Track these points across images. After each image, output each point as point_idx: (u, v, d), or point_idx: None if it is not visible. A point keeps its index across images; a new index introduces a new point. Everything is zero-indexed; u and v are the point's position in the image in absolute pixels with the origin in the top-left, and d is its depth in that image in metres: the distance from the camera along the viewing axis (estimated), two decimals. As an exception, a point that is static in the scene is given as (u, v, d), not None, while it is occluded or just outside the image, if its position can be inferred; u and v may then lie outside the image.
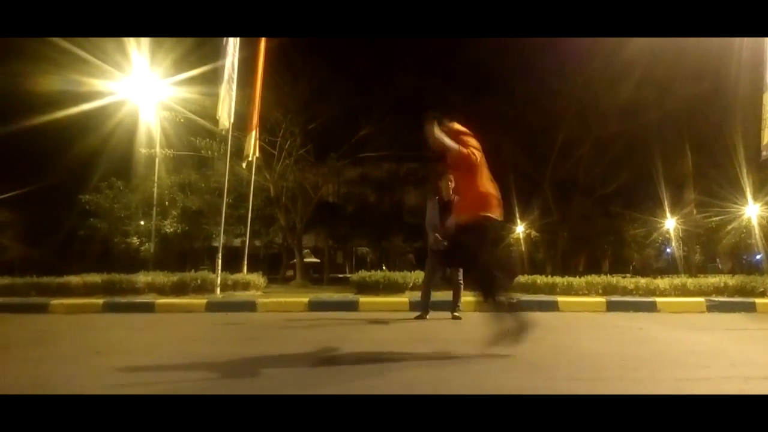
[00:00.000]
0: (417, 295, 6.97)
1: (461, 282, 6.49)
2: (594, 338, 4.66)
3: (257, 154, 11.35)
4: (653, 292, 8.38)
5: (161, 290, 9.23)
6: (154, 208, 18.80)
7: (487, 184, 3.92)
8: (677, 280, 8.79)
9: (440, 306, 6.50)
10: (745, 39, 11.80)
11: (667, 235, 31.39)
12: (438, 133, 3.79)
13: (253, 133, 10.90)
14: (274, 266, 27.29)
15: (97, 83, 15.83)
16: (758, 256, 28.33)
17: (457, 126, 4.02)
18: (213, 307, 7.75)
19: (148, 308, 7.78)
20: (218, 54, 10.08)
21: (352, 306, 7.74)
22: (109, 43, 15.83)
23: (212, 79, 11.56)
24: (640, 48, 19.35)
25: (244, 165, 11.85)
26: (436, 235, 6.21)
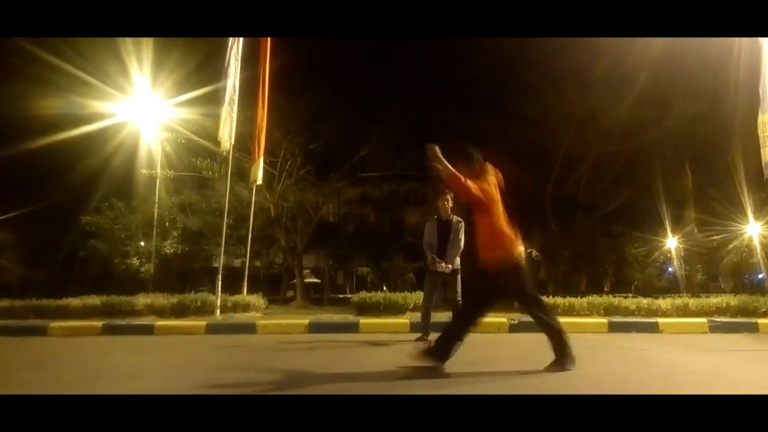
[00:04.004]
0: (418, 317, 6.91)
1: (461, 302, 6.46)
2: (596, 360, 4.62)
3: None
4: (655, 313, 8.32)
5: (161, 312, 9.17)
6: (155, 229, 18.77)
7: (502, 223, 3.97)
8: (679, 301, 8.72)
9: (441, 327, 6.42)
10: (743, 59, 11.88)
11: (669, 254, 31.34)
12: (442, 161, 3.83)
13: (260, 160, 10.97)
14: (274, 286, 27.19)
15: (98, 105, 15.96)
16: (760, 275, 28.24)
17: (488, 167, 4.07)
18: (213, 329, 7.71)
19: (148, 330, 7.74)
20: (219, 75, 10.17)
21: (352, 328, 7.70)
22: (111, 65, 16.02)
23: (213, 99, 11.63)
24: (639, 66, 19.49)
25: (251, 189, 11.88)
26: (434, 256, 6.23)
